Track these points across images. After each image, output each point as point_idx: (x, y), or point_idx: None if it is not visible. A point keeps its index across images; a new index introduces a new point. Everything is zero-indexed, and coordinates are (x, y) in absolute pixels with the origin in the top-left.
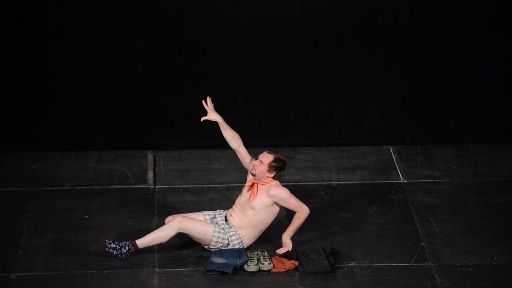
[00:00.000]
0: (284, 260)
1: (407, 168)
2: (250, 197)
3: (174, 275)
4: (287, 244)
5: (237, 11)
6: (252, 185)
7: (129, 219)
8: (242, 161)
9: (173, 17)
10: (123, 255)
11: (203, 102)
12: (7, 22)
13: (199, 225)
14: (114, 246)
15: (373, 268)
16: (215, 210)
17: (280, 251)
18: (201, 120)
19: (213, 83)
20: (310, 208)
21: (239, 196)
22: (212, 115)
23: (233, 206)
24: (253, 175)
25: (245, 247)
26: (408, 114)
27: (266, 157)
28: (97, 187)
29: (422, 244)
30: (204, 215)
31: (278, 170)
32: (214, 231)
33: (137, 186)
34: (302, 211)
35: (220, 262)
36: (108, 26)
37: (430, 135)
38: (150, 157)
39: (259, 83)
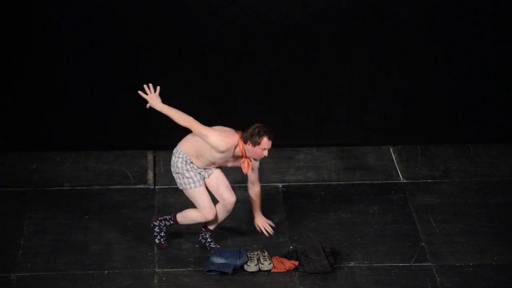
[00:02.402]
0: (284, 260)
1: (407, 168)
2: (248, 169)
3: (174, 275)
4: (260, 220)
5: (237, 11)
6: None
7: (129, 219)
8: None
9: (173, 17)
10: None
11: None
12: (7, 22)
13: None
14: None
15: (373, 268)
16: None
17: (265, 226)
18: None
19: (213, 83)
20: (309, 208)
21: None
22: (154, 102)
23: (200, 167)
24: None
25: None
26: (408, 114)
27: (270, 144)
28: (97, 187)
29: (422, 244)
30: (202, 184)
31: None
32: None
33: (137, 186)
34: (256, 185)
35: (220, 262)
36: (108, 26)
37: (430, 135)
38: (150, 157)
39: (259, 83)
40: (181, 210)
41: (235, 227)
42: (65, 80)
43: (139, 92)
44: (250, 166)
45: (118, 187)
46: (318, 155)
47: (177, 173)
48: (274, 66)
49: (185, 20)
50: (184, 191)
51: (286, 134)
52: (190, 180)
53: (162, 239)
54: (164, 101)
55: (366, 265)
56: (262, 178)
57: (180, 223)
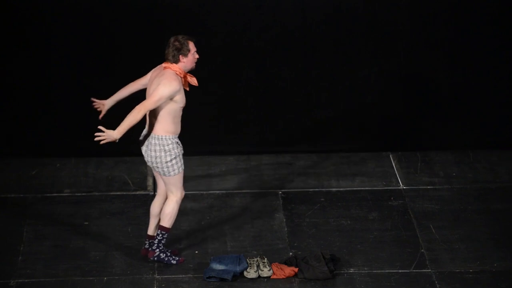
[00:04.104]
0: (283, 266)
1: (407, 174)
2: (195, 79)
3: (174, 281)
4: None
5: (236, 16)
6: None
7: (128, 226)
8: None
9: (172, 22)
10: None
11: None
12: (7, 26)
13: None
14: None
15: (373, 275)
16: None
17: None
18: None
19: (212, 89)
20: (309, 215)
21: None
22: (113, 135)
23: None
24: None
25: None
26: (408, 120)
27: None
28: (96, 193)
29: (422, 250)
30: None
31: None
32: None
33: (137, 193)
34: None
35: (220, 268)
36: (106, 31)
37: (430, 141)
38: None
39: (258, 88)
40: (180, 216)
41: (234, 233)
42: (65, 86)
43: (102, 142)
44: (192, 77)
45: (118, 193)
46: (318, 162)
47: (168, 161)
48: (273, 71)
49: (184, 25)
50: (172, 177)
51: (286, 140)
52: (180, 163)
53: (174, 257)
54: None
55: (366, 271)
56: (261, 184)
57: (170, 227)
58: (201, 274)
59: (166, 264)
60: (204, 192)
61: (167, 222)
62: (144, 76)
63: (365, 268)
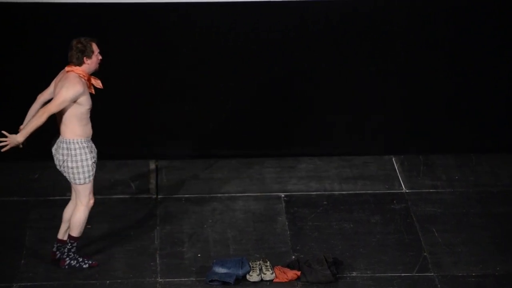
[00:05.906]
0: (286, 270)
1: (409, 177)
2: (99, 82)
3: (176, 285)
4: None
5: (236, 16)
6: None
7: (131, 229)
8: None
9: (173, 22)
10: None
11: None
12: (7, 30)
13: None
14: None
15: (375, 278)
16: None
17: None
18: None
19: (214, 91)
20: (312, 218)
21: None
22: (17, 139)
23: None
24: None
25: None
26: (410, 124)
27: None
28: (99, 196)
29: (425, 254)
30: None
31: None
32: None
33: (139, 196)
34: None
35: (222, 272)
36: (107, 34)
37: (432, 145)
38: (152, 166)
39: (260, 91)
40: (182, 220)
41: (237, 237)
42: None
43: (5, 149)
44: (96, 79)
45: (120, 196)
46: (320, 165)
47: (73, 167)
48: (275, 75)
49: (184, 26)
50: (78, 185)
51: (288, 144)
52: (89, 173)
53: (86, 261)
54: (166, 109)
55: (369, 275)
56: (263, 187)
57: (79, 236)
58: (204, 278)
59: (168, 268)
60: (207, 195)
61: (75, 232)
62: (50, 85)
63: (368, 272)
